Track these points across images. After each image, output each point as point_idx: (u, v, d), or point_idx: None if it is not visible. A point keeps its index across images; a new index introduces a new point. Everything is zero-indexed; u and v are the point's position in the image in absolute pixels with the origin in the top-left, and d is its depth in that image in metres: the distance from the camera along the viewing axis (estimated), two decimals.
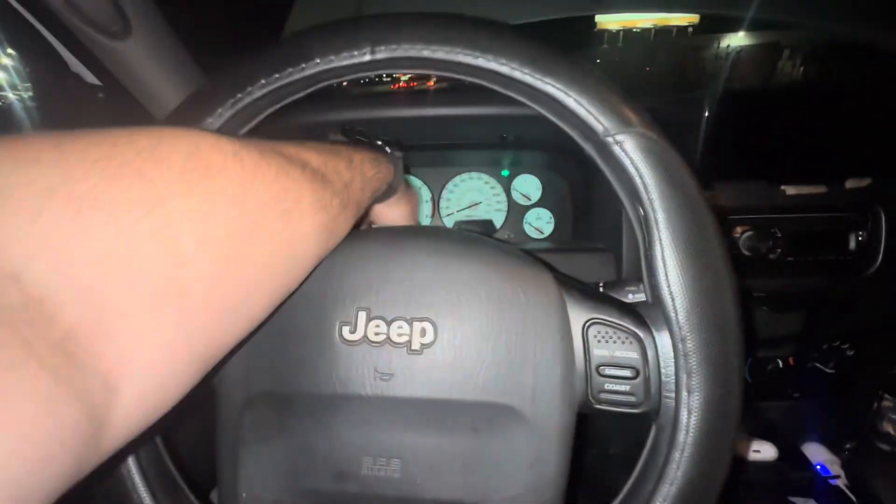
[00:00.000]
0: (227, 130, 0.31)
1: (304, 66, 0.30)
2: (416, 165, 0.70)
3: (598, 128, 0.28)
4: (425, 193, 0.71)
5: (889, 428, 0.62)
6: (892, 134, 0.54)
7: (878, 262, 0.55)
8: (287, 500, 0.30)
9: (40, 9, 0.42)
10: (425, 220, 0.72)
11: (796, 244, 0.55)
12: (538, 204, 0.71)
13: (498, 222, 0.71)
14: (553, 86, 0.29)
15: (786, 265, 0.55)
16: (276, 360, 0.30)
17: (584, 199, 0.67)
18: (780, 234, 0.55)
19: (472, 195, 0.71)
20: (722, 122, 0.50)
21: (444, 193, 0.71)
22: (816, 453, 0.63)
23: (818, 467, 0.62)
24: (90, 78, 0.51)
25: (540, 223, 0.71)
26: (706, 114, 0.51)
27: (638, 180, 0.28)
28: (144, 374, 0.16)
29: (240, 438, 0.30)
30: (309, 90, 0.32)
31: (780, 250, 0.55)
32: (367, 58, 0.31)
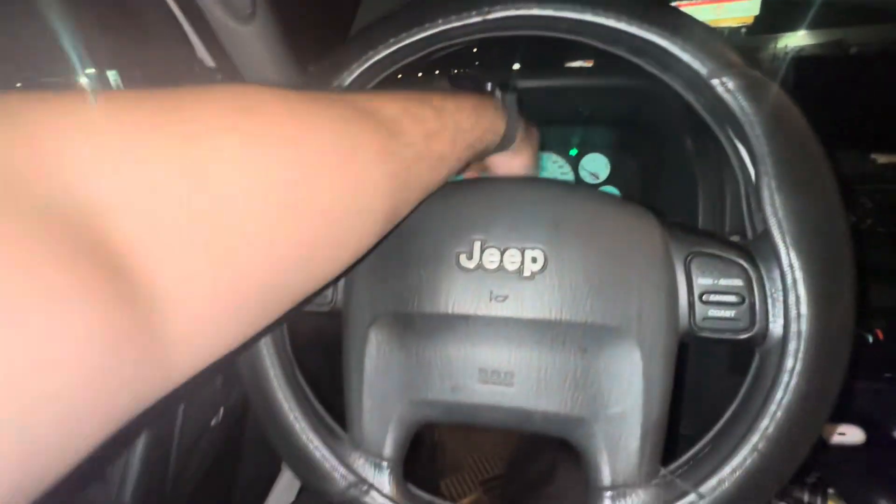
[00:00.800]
0: (358, 86, 0.36)
1: (427, 25, 0.34)
2: None
3: (703, 70, 0.30)
4: None
5: None
6: None
7: None
8: (407, 410, 0.34)
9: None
10: None
11: (887, 215, 0.53)
12: (607, 182, 0.72)
13: None
14: (659, 34, 0.31)
15: (877, 235, 0.54)
16: (399, 284, 0.33)
17: (654, 178, 0.68)
18: (870, 205, 0.53)
19: (541, 174, 0.74)
20: (805, 83, 0.50)
21: None
22: None
23: None
24: (209, 62, 0.58)
25: None
26: (789, 74, 0.51)
27: (743, 117, 0.29)
28: (195, 304, 0.16)
29: (365, 353, 0.34)
30: (430, 49, 0.36)
31: (870, 221, 0.53)
32: (481, 18, 0.34)
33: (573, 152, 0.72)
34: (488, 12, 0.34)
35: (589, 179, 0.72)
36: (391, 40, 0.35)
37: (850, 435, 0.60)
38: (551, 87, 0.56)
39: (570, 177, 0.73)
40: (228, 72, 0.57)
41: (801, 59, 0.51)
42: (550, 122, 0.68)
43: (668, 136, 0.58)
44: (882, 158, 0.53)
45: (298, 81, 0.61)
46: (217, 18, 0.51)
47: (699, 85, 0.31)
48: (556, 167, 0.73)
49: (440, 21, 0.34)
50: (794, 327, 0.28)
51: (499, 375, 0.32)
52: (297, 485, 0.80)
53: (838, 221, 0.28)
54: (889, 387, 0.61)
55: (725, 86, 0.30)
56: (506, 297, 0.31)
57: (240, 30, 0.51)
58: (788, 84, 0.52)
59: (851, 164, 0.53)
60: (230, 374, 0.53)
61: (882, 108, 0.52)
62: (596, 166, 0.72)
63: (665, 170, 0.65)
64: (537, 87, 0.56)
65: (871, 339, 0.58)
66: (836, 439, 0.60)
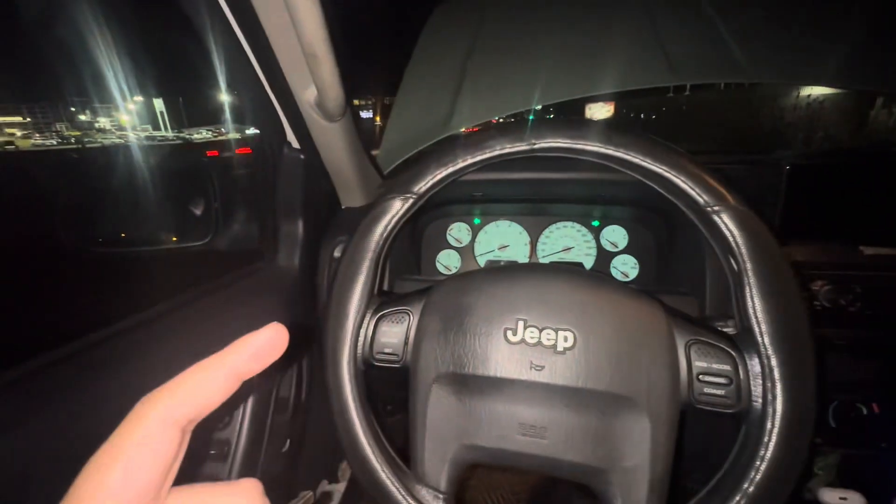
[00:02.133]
0: (431, 190, 0.47)
1: (487, 151, 0.45)
2: (519, 214, 0.84)
3: (700, 201, 0.40)
4: (524, 237, 0.85)
5: None
6: None
7: None
8: (460, 451, 0.42)
9: (288, 98, 0.62)
10: (524, 260, 0.84)
11: (875, 299, 0.61)
12: (624, 251, 0.81)
13: (587, 266, 0.82)
14: (666, 171, 0.41)
15: (865, 317, 0.61)
16: (457, 350, 0.42)
17: (667, 248, 0.77)
18: (859, 290, 0.61)
19: (565, 241, 0.83)
20: (800, 187, 0.59)
21: (541, 238, 0.84)
22: None
23: None
24: (296, 144, 0.71)
25: (626, 268, 0.81)
26: (785, 181, 0.60)
27: (732, 242, 0.39)
28: None
29: (428, 404, 0.43)
30: (484, 164, 0.46)
31: (859, 304, 0.61)
32: (529, 146, 0.45)
33: (595, 223, 0.82)
34: (534, 143, 0.45)
35: (608, 248, 0.81)
36: (459, 160, 0.46)
37: (850, 500, 0.65)
38: (573, 179, 0.67)
39: (592, 245, 0.82)
40: (310, 153, 0.70)
41: (797, 169, 0.60)
42: (575, 201, 0.79)
43: (679, 218, 0.67)
44: (869, 250, 0.60)
45: (364, 170, 0.74)
46: (310, 115, 0.64)
47: (697, 210, 0.41)
48: (580, 236, 0.83)
49: (497, 148, 0.45)
50: (770, 407, 0.36)
51: (535, 429, 0.41)
52: None
53: (802, 322, 0.37)
54: (886, 455, 0.66)
55: (718, 215, 0.39)
56: (542, 367, 0.40)
57: (327, 125, 0.64)
58: (788, 187, 0.61)
59: (842, 255, 0.61)
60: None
61: (868, 208, 0.61)
62: (615, 237, 0.81)
63: (677, 244, 0.73)
64: (562, 178, 0.67)
65: (865, 411, 0.64)
66: (837, 503, 0.65)
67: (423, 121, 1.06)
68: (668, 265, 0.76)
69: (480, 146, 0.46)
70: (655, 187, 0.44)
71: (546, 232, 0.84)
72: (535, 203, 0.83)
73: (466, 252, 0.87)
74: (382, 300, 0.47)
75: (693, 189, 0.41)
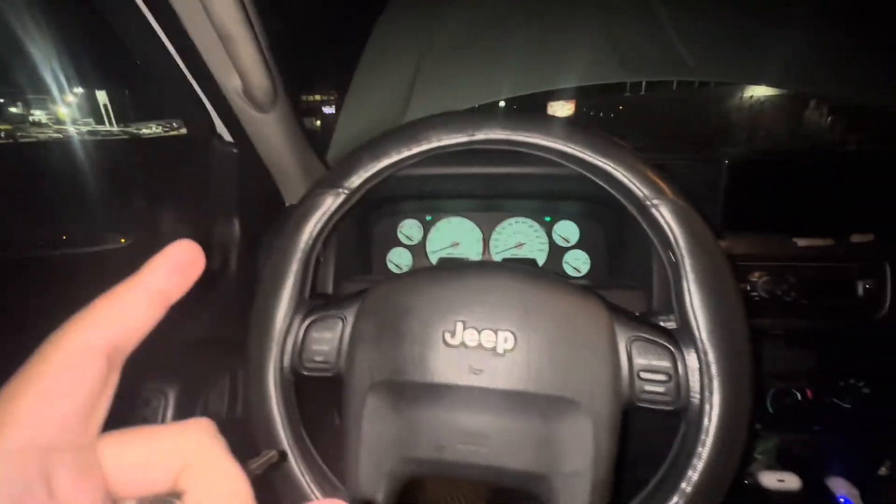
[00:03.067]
0: (364, 185, 0.44)
1: (424, 143, 0.43)
2: (471, 210, 0.82)
3: (640, 194, 0.39)
4: (477, 234, 0.83)
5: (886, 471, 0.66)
6: (893, 197, 0.62)
7: (885, 309, 0.63)
8: (397, 465, 0.39)
9: (213, 88, 0.57)
10: (476, 256, 0.82)
11: (808, 289, 0.63)
12: (576, 246, 0.81)
13: (540, 261, 0.81)
14: (606, 164, 0.40)
15: (800, 307, 0.63)
16: (393, 357, 0.40)
17: (618, 243, 0.77)
18: (793, 280, 0.63)
19: (518, 237, 0.82)
20: (739, 183, 0.61)
21: (494, 234, 0.82)
22: (840, 486, 0.68)
23: (841, 500, 0.66)
24: (228, 137, 0.66)
25: (578, 263, 0.81)
26: (725, 177, 0.61)
27: (670, 235, 0.38)
28: None
29: (362, 416, 0.40)
30: (422, 158, 0.44)
31: (794, 294, 0.63)
32: (468, 138, 0.43)
33: (547, 219, 0.81)
34: (473, 134, 0.43)
35: (560, 243, 0.81)
36: (393, 153, 0.43)
37: (788, 482, 0.67)
38: (525, 174, 0.65)
39: (545, 240, 0.81)
40: (244, 147, 0.65)
41: (736, 165, 0.61)
42: (527, 196, 0.77)
43: (629, 212, 0.68)
44: (802, 242, 0.63)
45: (307, 164, 0.69)
46: (238, 105, 0.59)
47: (637, 204, 0.40)
48: (532, 232, 0.82)
49: (434, 139, 0.43)
50: (707, 403, 0.35)
51: (476, 437, 0.38)
52: None
53: (739, 316, 0.37)
54: (820, 438, 0.69)
55: (657, 208, 0.39)
56: (482, 371, 0.38)
57: (260, 117, 0.59)
58: (728, 183, 0.62)
59: (778, 247, 0.63)
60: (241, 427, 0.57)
61: (801, 202, 0.63)
62: (567, 232, 0.81)
63: (626, 238, 0.74)
64: (514, 173, 0.66)
65: (800, 398, 0.66)
66: (775, 485, 0.67)
67: (377, 116, 1.03)
68: (619, 259, 0.77)
69: (416, 138, 0.43)
70: (597, 181, 0.43)
71: (499, 228, 0.82)
72: (488, 199, 0.81)
73: (418, 250, 0.84)
74: (314, 305, 0.44)
75: (632, 182, 0.40)
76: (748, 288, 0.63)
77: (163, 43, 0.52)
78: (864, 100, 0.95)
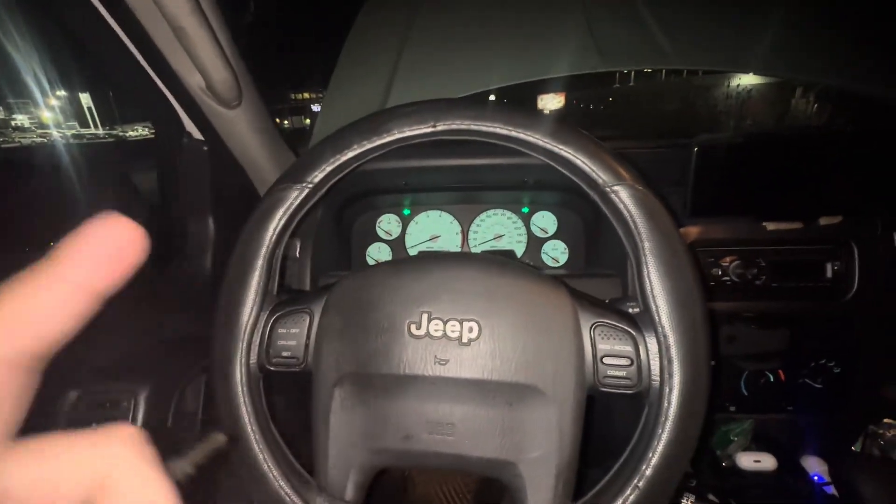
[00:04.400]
0: (328, 179, 0.43)
1: (385, 135, 0.42)
2: (449, 203, 0.82)
3: (599, 181, 0.39)
4: (456, 227, 0.83)
5: (874, 449, 0.68)
6: (859, 179, 0.63)
7: (853, 289, 0.64)
8: (366, 456, 0.40)
9: (177, 85, 0.56)
10: (456, 249, 0.83)
11: (778, 272, 0.64)
12: (554, 237, 0.81)
13: (519, 252, 0.81)
14: (567, 151, 0.40)
15: (771, 290, 0.64)
16: (360, 349, 0.40)
17: (594, 232, 0.78)
18: (763, 264, 0.64)
19: (497, 229, 0.82)
20: (708, 168, 0.61)
21: (472, 227, 0.82)
22: (814, 465, 0.69)
23: (815, 478, 0.67)
24: (198, 135, 0.65)
25: (556, 253, 0.81)
26: (694, 162, 0.61)
27: (630, 221, 0.38)
28: None
29: (330, 409, 0.40)
30: (386, 150, 0.43)
31: (764, 277, 0.64)
32: (430, 129, 0.43)
33: (525, 210, 0.81)
34: (435, 125, 0.43)
35: (539, 234, 0.81)
36: (355, 145, 0.43)
37: (764, 462, 0.69)
38: (502, 164, 0.65)
39: (523, 232, 0.82)
40: (215, 144, 0.64)
41: (704, 149, 0.61)
42: (504, 187, 0.78)
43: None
44: (771, 226, 0.64)
45: (281, 158, 0.69)
46: (204, 101, 0.58)
47: (597, 190, 0.40)
48: (510, 223, 0.82)
49: (396, 131, 0.43)
50: (666, 386, 0.36)
51: (442, 426, 0.39)
52: None
53: (696, 299, 0.37)
54: (794, 418, 0.70)
55: (616, 194, 0.39)
56: (447, 361, 0.38)
57: (227, 113, 0.59)
58: (697, 168, 0.62)
59: (747, 230, 0.64)
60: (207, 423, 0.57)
61: (770, 186, 0.64)
62: (545, 222, 0.81)
63: (602, 226, 0.74)
64: (491, 164, 0.66)
65: (772, 379, 0.67)
66: (752, 466, 0.68)
67: (358, 107, 1.02)
68: (596, 248, 0.77)
69: (378, 130, 0.43)
70: (559, 168, 0.43)
71: (477, 220, 0.82)
72: (465, 191, 0.81)
73: (397, 244, 0.84)
74: (280, 300, 0.43)
75: (592, 169, 0.40)
76: (719, 272, 0.64)
77: (122, 41, 0.51)
78: (843, 85, 0.96)
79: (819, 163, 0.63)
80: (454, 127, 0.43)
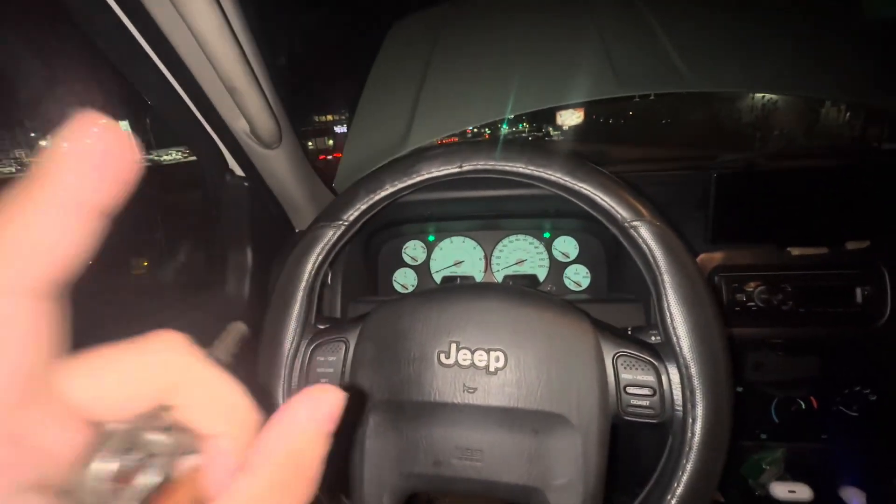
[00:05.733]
0: (362, 217, 0.47)
1: (415, 175, 0.46)
2: (472, 229, 0.85)
3: (619, 217, 0.42)
4: (479, 252, 0.85)
5: None
6: (885, 203, 0.63)
7: (886, 314, 0.63)
8: (397, 480, 0.42)
9: (223, 128, 0.61)
10: (479, 274, 0.85)
11: (806, 297, 0.63)
12: (576, 261, 0.82)
13: (541, 277, 0.83)
14: (587, 189, 0.43)
15: (798, 315, 0.64)
16: (392, 378, 0.42)
17: (616, 256, 0.79)
18: (790, 289, 0.63)
19: (519, 254, 0.84)
20: (728, 194, 0.62)
21: (495, 252, 0.85)
22: (853, 496, 0.67)
23: None
24: (239, 171, 0.70)
25: (578, 277, 0.82)
26: (714, 188, 0.62)
27: (650, 256, 0.40)
28: None
29: (365, 434, 0.42)
30: (415, 189, 0.47)
31: (791, 303, 0.63)
32: (457, 169, 0.46)
33: (546, 235, 0.83)
34: (462, 165, 0.46)
35: (560, 258, 0.83)
36: (387, 185, 0.46)
37: (799, 493, 0.67)
38: (523, 195, 0.68)
39: (545, 256, 0.83)
40: (255, 181, 0.69)
41: (723, 176, 0.62)
42: (526, 215, 0.80)
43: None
44: (796, 251, 0.63)
45: (315, 192, 0.73)
46: (247, 143, 0.63)
47: (617, 226, 0.42)
48: (532, 248, 0.84)
49: (425, 172, 0.46)
50: (689, 416, 0.37)
51: (470, 452, 0.41)
52: None
53: (715, 330, 0.38)
54: (829, 448, 0.68)
55: (636, 230, 0.41)
56: (475, 389, 0.40)
57: (267, 153, 0.63)
58: (717, 197, 0.63)
59: (772, 256, 0.64)
60: None
61: (792, 211, 0.64)
62: (566, 247, 0.83)
63: (623, 251, 0.75)
64: (512, 195, 0.69)
65: (803, 406, 0.66)
66: (786, 496, 0.67)
67: (381, 139, 1.07)
68: (618, 273, 0.78)
69: (409, 172, 0.46)
70: (580, 204, 0.45)
71: (499, 246, 0.85)
72: (489, 219, 0.84)
73: (423, 270, 0.87)
74: (318, 329, 0.47)
75: (612, 206, 0.42)
76: (744, 298, 0.64)
77: (176, 91, 0.56)
78: (862, 101, 0.95)
79: (841, 188, 0.63)
80: (479, 167, 0.46)
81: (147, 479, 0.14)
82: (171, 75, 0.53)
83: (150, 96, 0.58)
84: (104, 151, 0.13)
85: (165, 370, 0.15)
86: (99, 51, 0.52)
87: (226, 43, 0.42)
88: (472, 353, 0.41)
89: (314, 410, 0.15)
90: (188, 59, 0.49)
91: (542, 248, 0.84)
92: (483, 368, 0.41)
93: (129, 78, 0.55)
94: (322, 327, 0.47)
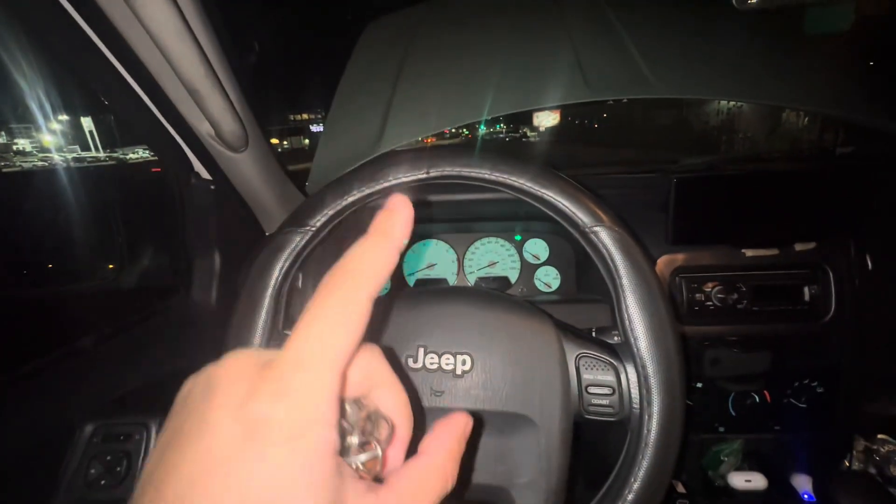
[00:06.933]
0: (329, 222, 0.47)
1: (382, 181, 0.46)
2: (444, 232, 0.86)
3: (580, 223, 0.43)
4: (451, 255, 0.86)
5: (870, 465, 0.70)
6: (830, 208, 0.67)
7: (831, 311, 0.67)
8: None
9: (186, 131, 0.60)
10: (451, 277, 0.86)
11: (759, 296, 0.67)
12: (546, 263, 0.84)
13: (512, 279, 0.85)
14: (549, 195, 0.44)
15: (752, 313, 0.67)
16: None
17: (585, 258, 0.81)
18: (744, 288, 0.67)
19: (491, 256, 0.86)
20: (687, 198, 0.65)
21: (467, 255, 0.86)
22: (803, 483, 0.71)
23: (805, 496, 0.69)
24: (206, 175, 0.69)
25: (548, 279, 0.84)
26: (673, 193, 0.65)
27: (609, 260, 0.42)
28: None
29: None
30: (384, 195, 0.47)
31: (745, 301, 0.67)
32: (424, 175, 0.46)
33: (518, 238, 0.85)
34: (428, 171, 0.46)
35: (531, 260, 0.85)
36: (354, 191, 0.46)
37: (754, 481, 0.70)
38: (493, 199, 0.69)
39: (516, 258, 0.85)
40: (221, 183, 0.68)
41: (682, 181, 0.65)
42: (497, 218, 0.81)
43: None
44: (749, 252, 0.67)
45: (285, 195, 0.73)
46: (212, 146, 0.62)
47: (578, 231, 0.44)
48: (504, 251, 0.85)
49: (392, 177, 0.46)
50: (647, 412, 0.38)
51: None
52: None
53: (670, 331, 0.40)
54: (782, 437, 0.72)
55: (597, 235, 0.42)
56: (442, 392, 0.41)
57: (234, 156, 0.62)
58: (677, 200, 0.66)
59: (728, 257, 0.67)
60: None
61: (746, 215, 0.67)
62: (537, 249, 0.85)
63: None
64: (483, 199, 0.70)
65: (757, 399, 0.70)
66: (743, 486, 0.70)
67: (355, 141, 1.06)
68: (586, 274, 0.80)
69: (375, 177, 0.46)
70: (542, 209, 0.46)
71: (472, 248, 0.86)
72: (461, 222, 0.85)
73: (395, 272, 0.86)
74: (286, 335, 0.46)
75: (573, 211, 0.43)
76: (703, 298, 0.67)
77: (136, 92, 0.55)
78: (827, 112, 1.00)
79: (791, 192, 0.67)
80: (445, 173, 0.46)
81: (368, 453, 0.19)
82: (129, 76, 0.52)
83: (107, 96, 0.56)
84: (407, 214, 0.22)
85: (373, 369, 0.22)
86: (52, 46, 0.50)
87: (184, 44, 0.41)
88: (440, 356, 0.42)
89: (467, 423, 0.23)
90: (146, 59, 0.48)
91: (513, 251, 0.85)
92: (450, 372, 0.41)
93: (84, 77, 0.54)
94: (289, 333, 0.47)
